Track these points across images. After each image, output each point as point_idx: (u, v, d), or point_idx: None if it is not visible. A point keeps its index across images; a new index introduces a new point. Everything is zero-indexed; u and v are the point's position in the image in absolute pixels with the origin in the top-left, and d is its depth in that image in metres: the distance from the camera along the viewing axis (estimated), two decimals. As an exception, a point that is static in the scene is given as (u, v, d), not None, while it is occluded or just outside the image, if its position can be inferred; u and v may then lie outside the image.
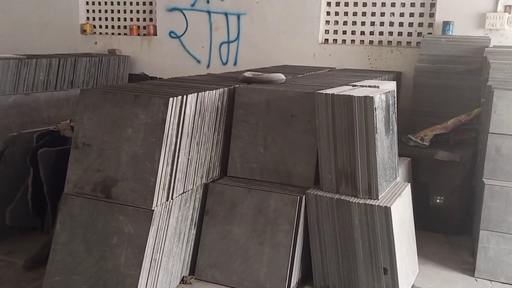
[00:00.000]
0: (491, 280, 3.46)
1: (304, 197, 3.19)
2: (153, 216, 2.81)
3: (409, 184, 3.51)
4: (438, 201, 4.23)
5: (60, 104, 5.40)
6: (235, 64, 6.07)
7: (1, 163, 3.61)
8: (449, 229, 4.21)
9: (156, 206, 2.84)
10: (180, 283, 3.22)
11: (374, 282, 3.08)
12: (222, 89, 3.40)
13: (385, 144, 3.24)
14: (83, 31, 6.93)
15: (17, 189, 3.68)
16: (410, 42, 5.49)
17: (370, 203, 3.05)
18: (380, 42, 5.59)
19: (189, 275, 3.29)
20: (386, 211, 3.00)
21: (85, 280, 2.87)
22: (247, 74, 3.85)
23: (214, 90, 3.29)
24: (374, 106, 3.04)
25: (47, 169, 3.52)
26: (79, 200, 2.94)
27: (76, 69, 5.74)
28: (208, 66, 6.18)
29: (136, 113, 2.88)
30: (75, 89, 5.56)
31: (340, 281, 3.19)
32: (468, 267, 3.62)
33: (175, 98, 2.88)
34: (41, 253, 3.30)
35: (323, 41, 5.78)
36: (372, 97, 3.04)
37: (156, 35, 6.50)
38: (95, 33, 6.95)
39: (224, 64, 6.12)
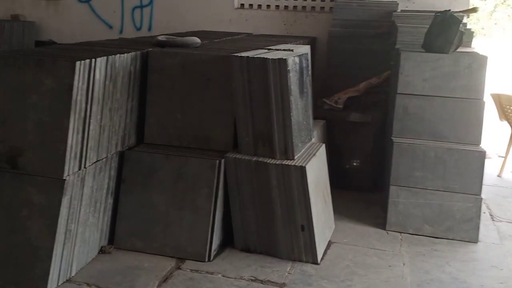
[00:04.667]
0: (401, 232, 3.68)
1: (223, 161, 3.20)
2: (65, 186, 2.70)
3: (324, 145, 3.62)
4: (352, 160, 4.41)
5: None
6: (149, 29, 5.88)
7: None
8: (362, 187, 4.41)
9: (68, 175, 2.73)
10: (98, 252, 3.15)
11: (292, 239, 3.18)
12: (135, 53, 3.29)
13: (299, 106, 3.30)
14: (-19, -5, 6.41)
15: None
16: (324, 7, 5.58)
17: (286, 163, 3.12)
18: (295, 7, 5.63)
19: (108, 244, 3.22)
20: (302, 171, 3.08)
21: (-7, 256, 2.73)
22: (160, 37, 3.75)
23: (126, 54, 3.18)
24: (288, 68, 3.07)
25: None
26: (-19, 173, 2.76)
27: (-25, 35, 5.31)
28: (121, 32, 5.94)
29: (41, 79, 2.72)
30: (-25, 58, 5.16)
31: (260, 241, 3.25)
32: (380, 221, 3.82)
33: (82, 62, 2.75)
34: None
35: (239, 6, 5.73)
36: (286, 59, 3.07)
37: (63, -2, 6.14)
38: (-6, -4, 6.44)
39: (138, 29, 5.91)
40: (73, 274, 2.91)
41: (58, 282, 2.79)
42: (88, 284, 2.85)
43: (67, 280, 2.85)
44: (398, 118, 3.75)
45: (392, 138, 3.73)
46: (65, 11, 6.13)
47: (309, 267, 3.14)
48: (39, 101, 2.72)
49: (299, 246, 3.17)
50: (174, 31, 5.15)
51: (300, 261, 3.19)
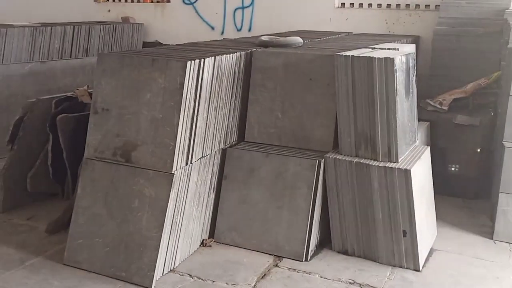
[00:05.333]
0: (510, 243, 3.45)
1: (322, 161, 3.19)
2: (173, 180, 2.83)
3: (428, 148, 3.48)
4: (456, 165, 4.20)
5: (76, 72, 5.41)
6: (249, 30, 5.98)
7: (21, 130, 3.64)
8: (467, 193, 4.19)
9: (176, 170, 2.86)
10: (200, 245, 3.27)
11: (393, 245, 3.09)
12: (239, 53, 3.37)
13: (405, 106, 3.20)
14: (96, -1, 6.88)
15: (37, 155, 3.71)
16: (429, 5, 5.36)
17: (390, 166, 3.04)
18: (398, 5, 5.46)
19: (208, 238, 3.33)
20: (406, 174, 2.99)
21: (107, 243, 2.92)
22: (263, 38, 3.81)
23: (231, 54, 3.26)
24: (395, 68, 2.99)
25: (66, 135, 3.54)
26: (99, 165, 2.97)
27: (91, 37, 5.71)
28: (222, 33, 6.11)
29: (154, 77, 2.87)
30: (90, 57, 5.55)
31: (358, 244, 3.20)
32: (487, 230, 3.61)
33: (192, 61, 2.86)
34: (62, 218, 3.35)
35: (340, 5, 5.67)
36: (393, 58, 2.99)
37: (170, 1, 6.42)
38: (108, 0, 6.88)
39: (239, 30, 6.04)
40: (176, 265, 3.04)
41: (163, 272, 2.93)
42: (190, 275, 2.96)
43: (171, 270, 2.99)
44: (510, 122, 3.52)
45: (504, 142, 3.51)
46: (171, 13, 6.42)
47: (410, 274, 3.04)
48: (152, 98, 2.87)
49: (400, 252, 3.08)
50: (273, 31, 5.22)
51: (401, 267, 3.10)
